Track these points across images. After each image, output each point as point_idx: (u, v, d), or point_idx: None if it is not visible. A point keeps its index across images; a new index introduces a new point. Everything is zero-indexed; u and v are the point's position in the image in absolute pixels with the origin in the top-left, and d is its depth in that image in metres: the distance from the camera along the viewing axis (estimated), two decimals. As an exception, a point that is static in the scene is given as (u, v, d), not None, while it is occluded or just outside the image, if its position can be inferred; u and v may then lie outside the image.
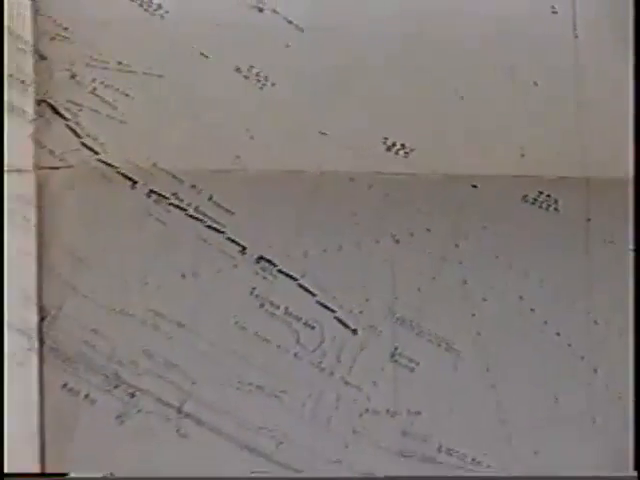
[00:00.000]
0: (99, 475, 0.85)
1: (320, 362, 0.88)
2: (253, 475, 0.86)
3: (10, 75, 0.86)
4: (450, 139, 0.90)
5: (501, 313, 0.90)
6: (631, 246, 0.88)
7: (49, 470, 0.86)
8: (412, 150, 0.89)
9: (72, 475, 0.84)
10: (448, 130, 0.90)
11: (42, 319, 0.86)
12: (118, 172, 0.87)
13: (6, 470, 0.81)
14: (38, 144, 0.86)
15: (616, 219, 0.89)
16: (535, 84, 0.90)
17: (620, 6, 0.89)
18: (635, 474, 0.83)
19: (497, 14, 0.90)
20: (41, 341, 0.86)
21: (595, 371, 0.89)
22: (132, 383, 0.87)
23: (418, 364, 0.89)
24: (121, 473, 0.86)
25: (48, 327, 0.86)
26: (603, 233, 0.90)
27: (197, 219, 0.87)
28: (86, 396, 0.86)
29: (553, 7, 0.90)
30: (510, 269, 0.90)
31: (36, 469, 0.85)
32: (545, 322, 0.90)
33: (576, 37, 0.90)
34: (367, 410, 0.88)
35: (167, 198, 0.87)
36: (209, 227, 0.87)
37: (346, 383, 0.88)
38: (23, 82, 0.86)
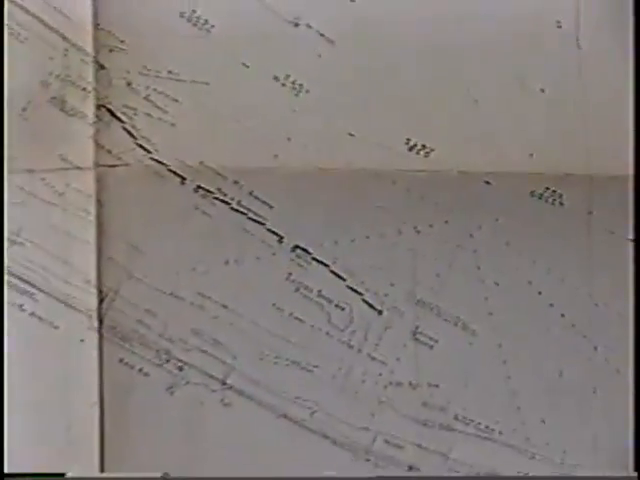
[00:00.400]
0: (99, 475, 0.86)
1: (349, 340, 0.90)
2: (261, 476, 0.87)
3: (72, 82, 0.89)
4: (465, 140, 0.91)
5: (511, 296, 0.91)
6: (631, 236, 0.89)
7: (108, 435, 0.89)
8: (432, 150, 0.91)
9: (70, 475, 0.85)
10: (464, 131, 0.91)
11: (101, 301, 0.89)
12: (169, 169, 0.89)
13: (7, 470, 0.82)
14: (97, 144, 0.88)
15: (616, 212, 0.91)
16: (542, 91, 0.92)
17: (621, 13, 0.89)
18: (635, 474, 0.84)
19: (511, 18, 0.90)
20: (100, 320, 0.89)
21: (595, 348, 0.91)
22: (181, 358, 0.89)
23: (437, 342, 0.91)
24: (171, 438, 0.90)
25: (106, 308, 0.89)
26: (604, 225, 0.91)
27: (239, 212, 0.90)
28: (140, 370, 0.89)
29: (558, 22, 0.92)
30: (520, 257, 0.91)
31: (96, 435, 0.90)
32: (551, 304, 0.91)
33: (579, 48, 0.90)
34: (391, 383, 0.90)
35: (212, 193, 0.89)
36: (250, 219, 0.90)
37: (372, 358, 0.90)
38: (84, 89, 0.89)
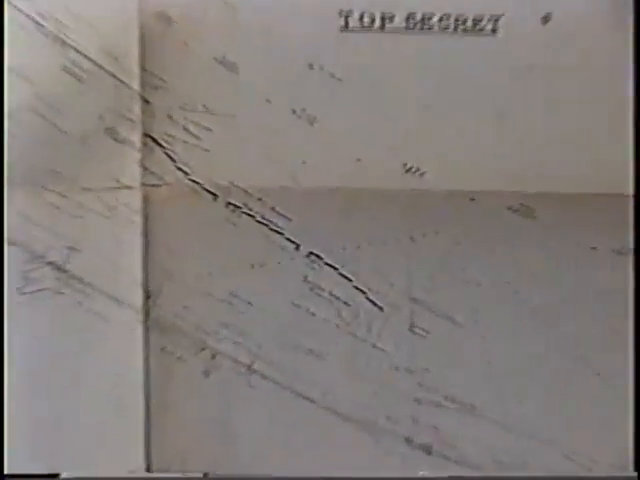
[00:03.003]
0: (97, 475, 0.89)
1: (355, 331, 0.95)
2: (264, 475, 0.90)
3: (122, 115, 0.91)
4: (453, 162, 0.95)
5: (492, 294, 0.95)
6: (631, 245, 0.90)
7: (154, 412, 0.93)
8: (425, 172, 0.95)
9: (66, 475, 0.87)
10: (451, 156, 0.94)
11: (147, 297, 0.94)
12: (203, 188, 0.93)
13: (7, 471, 0.84)
14: (144, 167, 0.93)
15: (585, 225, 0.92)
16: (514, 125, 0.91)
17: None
18: (635, 474, 0.84)
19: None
20: (146, 314, 0.94)
21: (558, 329, 0.94)
22: (214, 347, 0.95)
23: (429, 333, 0.95)
24: (206, 416, 0.93)
25: (152, 304, 0.94)
26: (572, 237, 0.93)
27: (263, 224, 0.94)
28: (179, 357, 0.95)
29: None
30: (500, 261, 0.95)
31: (141, 412, 0.94)
32: (524, 301, 0.95)
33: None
34: (391, 367, 0.95)
35: (240, 208, 0.94)
36: (272, 230, 0.94)
37: (375, 347, 0.95)
38: (131, 120, 0.93)
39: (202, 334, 0.94)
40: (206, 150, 0.93)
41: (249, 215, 0.94)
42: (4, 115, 0.85)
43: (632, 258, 0.89)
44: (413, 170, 0.94)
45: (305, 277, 0.94)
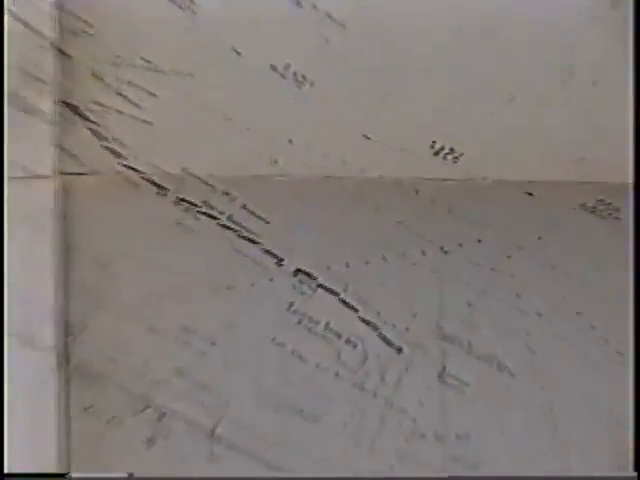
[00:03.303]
0: (99, 475, 0.83)
1: (362, 382, 0.85)
2: (253, 475, 0.84)
3: (28, 74, 0.82)
4: (499, 142, 0.87)
5: (557, 328, 0.86)
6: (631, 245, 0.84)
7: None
8: (461, 154, 0.86)
9: (72, 475, 0.82)
10: (500, 132, 0.86)
11: (66, 335, 0.82)
12: (145, 178, 0.84)
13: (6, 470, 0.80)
14: (60, 148, 0.83)
15: None
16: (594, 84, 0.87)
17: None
18: (635, 474, 0.82)
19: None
20: (64, 359, 0.82)
21: None
22: (161, 404, 0.83)
23: (468, 385, 0.86)
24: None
25: (72, 344, 0.83)
26: None
27: (230, 229, 0.84)
28: (111, 420, 0.83)
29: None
30: (569, 282, 0.86)
31: None
32: (606, 340, 0.86)
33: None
34: (413, 434, 0.85)
35: (197, 206, 0.84)
36: (243, 237, 0.84)
37: (390, 405, 0.85)
38: (42, 81, 0.82)
39: (144, 386, 0.83)
40: (149, 124, 0.83)
41: (210, 216, 0.84)
42: (4, 115, 0.81)
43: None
44: (445, 151, 0.86)
45: (290, 304, 0.85)
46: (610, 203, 0.86)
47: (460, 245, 0.86)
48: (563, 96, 0.88)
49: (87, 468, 0.83)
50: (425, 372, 0.85)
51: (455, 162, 0.86)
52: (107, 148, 0.83)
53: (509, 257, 0.86)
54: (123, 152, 0.84)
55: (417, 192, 0.85)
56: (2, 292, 0.81)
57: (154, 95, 0.83)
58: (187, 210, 0.84)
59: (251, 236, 0.84)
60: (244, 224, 0.84)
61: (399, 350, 0.85)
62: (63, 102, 0.82)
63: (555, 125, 0.87)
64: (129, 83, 0.83)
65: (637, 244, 0.84)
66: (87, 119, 0.83)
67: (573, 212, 0.86)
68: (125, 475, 0.83)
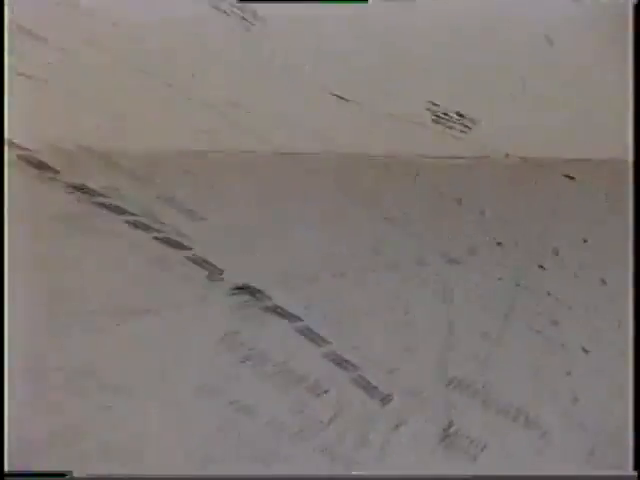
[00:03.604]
0: (99, 475, 0.74)
1: (333, 445, 0.71)
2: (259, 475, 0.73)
3: None
4: (523, 109, 0.75)
5: (606, 367, 0.73)
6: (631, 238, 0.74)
7: None
8: (473, 122, 0.75)
9: (72, 475, 0.73)
10: (520, 98, 0.75)
11: None
12: (24, 158, 0.73)
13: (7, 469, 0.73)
14: None
15: None
16: None
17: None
18: (635, 474, 0.75)
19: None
20: None
21: None
22: None
23: (484, 448, 0.72)
24: None
25: None
26: None
27: (142, 228, 0.72)
28: None
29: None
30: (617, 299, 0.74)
31: None
32: None
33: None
34: None
35: (97, 194, 0.72)
36: (162, 241, 0.72)
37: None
38: None
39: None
40: (29, 77, 0.72)
41: (115, 210, 0.73)
42: (4, 115, 0.73)
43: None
44: (449, 118, 0.75)
45: (231, 335, 0.72)
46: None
47: (471, 253, 0.74)
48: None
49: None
50: (423, 430, 0.72)
51: (467, 132, 0.75)
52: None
53: (542, 267, 0.75)
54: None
55: (417, 175, 0.75)
56: (2, 292, 0.74)
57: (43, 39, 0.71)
58: (81, 200, 0.72)
59: (177, 238, 0.72)
60: (166, 221, 0.72)
61: (385, 399, 0.73)
62: None
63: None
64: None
65: (637, 244, 0.74)
66: None
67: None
68: (126, 474, 0.73)
